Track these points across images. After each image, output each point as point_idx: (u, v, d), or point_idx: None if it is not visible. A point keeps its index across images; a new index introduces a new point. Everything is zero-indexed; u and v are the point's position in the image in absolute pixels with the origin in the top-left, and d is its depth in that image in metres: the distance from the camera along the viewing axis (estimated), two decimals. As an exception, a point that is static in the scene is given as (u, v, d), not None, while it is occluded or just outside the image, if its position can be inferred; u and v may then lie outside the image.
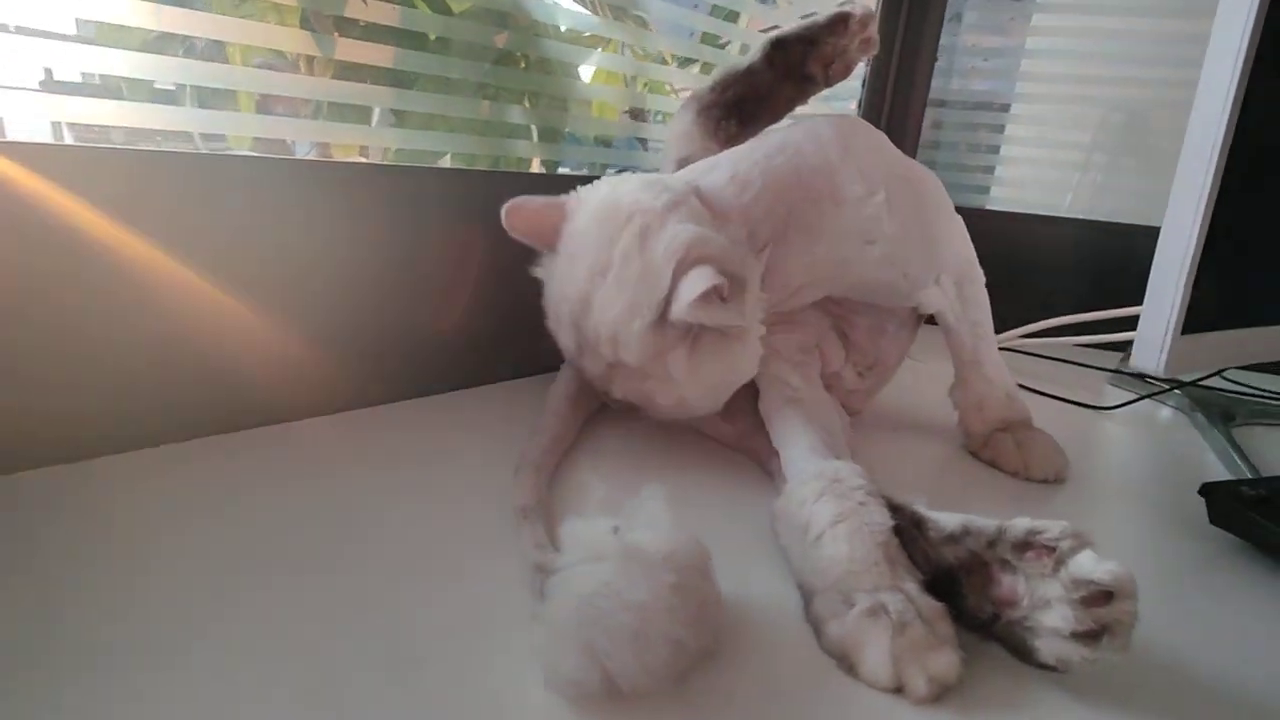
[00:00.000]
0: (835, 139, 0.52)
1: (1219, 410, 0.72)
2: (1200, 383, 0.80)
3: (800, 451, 0.46)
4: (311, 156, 0.71)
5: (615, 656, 0.28)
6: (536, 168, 0.84)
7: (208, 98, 0.61)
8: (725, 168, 0.51)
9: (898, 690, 0.31)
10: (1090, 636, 0.30)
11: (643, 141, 1.02)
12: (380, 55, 0.64)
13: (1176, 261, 0.49)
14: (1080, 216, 1.07)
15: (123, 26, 0.50)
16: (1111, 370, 0.90)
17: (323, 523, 0.41)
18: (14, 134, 0.49)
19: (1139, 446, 0.68)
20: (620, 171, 0.90)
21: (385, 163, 0.70)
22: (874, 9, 0.56)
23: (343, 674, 0.30)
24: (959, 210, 0.58)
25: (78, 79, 0.59)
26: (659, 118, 0.94)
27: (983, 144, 1.20)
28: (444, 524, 0.42)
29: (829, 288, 0.55)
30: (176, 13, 0.51)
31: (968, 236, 0.59)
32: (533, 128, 0.83)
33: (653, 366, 0.46)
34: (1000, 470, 0.56)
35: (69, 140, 0.57)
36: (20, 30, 0.47)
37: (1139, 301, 0.52)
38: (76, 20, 0.49)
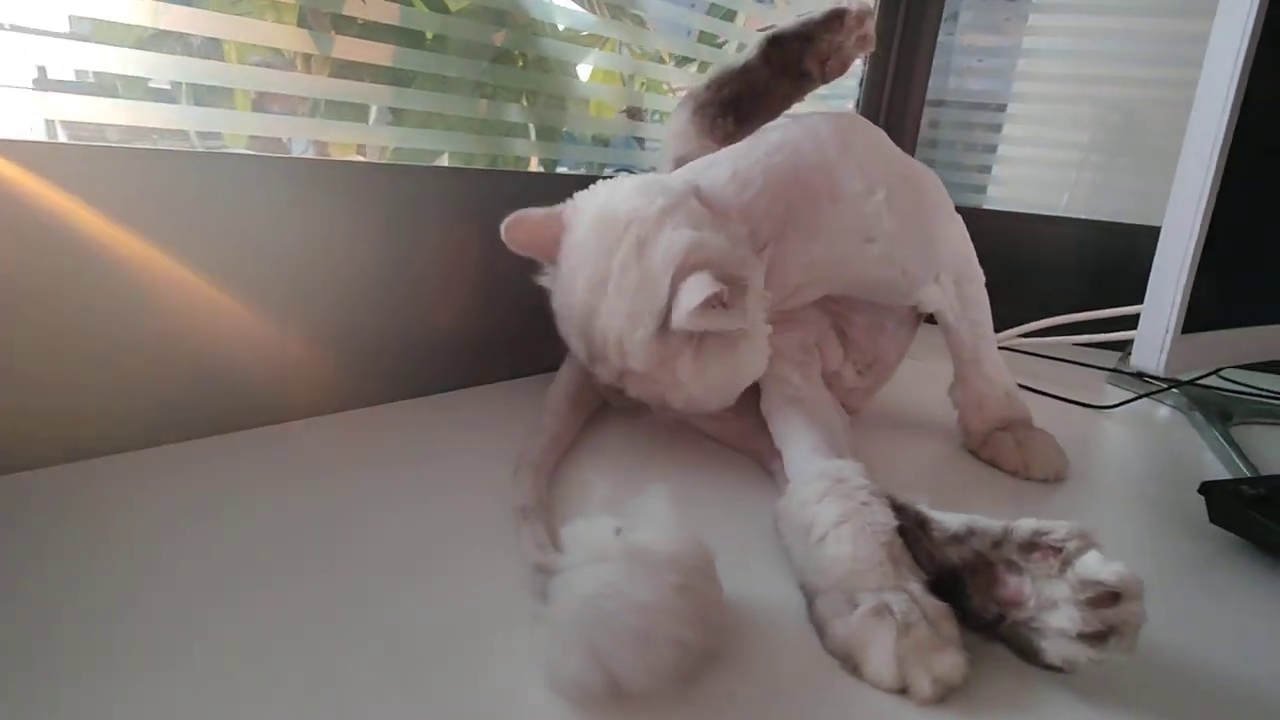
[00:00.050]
0: (834, 136, 0.52)
1: (1217, 409, 0.72)
2: (1198, 382, 0.80)
3: (802, 451, 0.46)
4: (308, 155, 0.70)
5: (620, 658, 0.28)
6: (534, 166, 0.84)
7: (204, 95, 0.61)
8: (725, 166, 0.51)
9: (902, 691, 0.31)
10: (1097, 638, 0.30)
11: (640, 140, 1.02)
12: (378, 53, 0.63)
13: (1176, 261, 0.49)
14: (1077, 216, 1.07)
15: (117, 23, 0.50)
16: (1110, 369, 0.90)
17: (322, 523, 0.41)
18: (7, 132, 0.49)
19: (1138, 445, 0.69)
20: (618, 171, 0.90)
21: (382, 161, 0.70)
22: (871, 5, 0.56)
23: (342, 674, 0.30)
24: (956, 210, 0.58)
25: (71, 77, 0.58)
26: (656, 117, 0.94)
27: (979, 143, 1.20)
28: (443, 524, 0.42)
29: (828, 286, 0.55)
30: (172, 9, 0.51)
31: (967, 235, 0.59)
32: (530, 126, 0.82)
33: (660, 372, 0.46)
34: (1000, 469, 0.56)
35: (63, 139, 0.57)
36: (13, 28, 0.46)
37: (1137, 301, 0.52)
38: (70, 17, 0.49)
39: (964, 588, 0.34)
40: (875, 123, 0.56)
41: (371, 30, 0.63)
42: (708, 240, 0.46)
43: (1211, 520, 0.47)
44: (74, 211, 0.43)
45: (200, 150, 0.55)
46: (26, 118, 0.48)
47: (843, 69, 0.60)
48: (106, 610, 0.33)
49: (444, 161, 0.77)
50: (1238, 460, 0.60)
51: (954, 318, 0.57)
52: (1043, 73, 1.15)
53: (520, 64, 0.81)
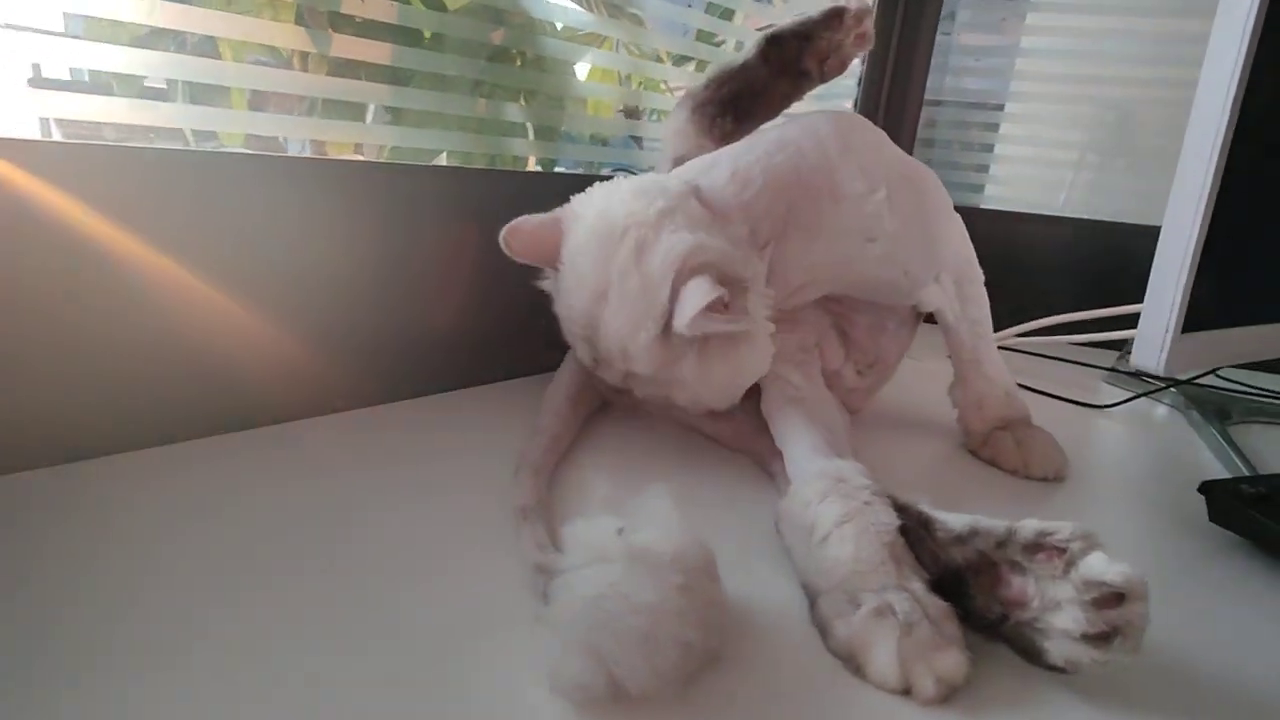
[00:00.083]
0: (835, 136, 0.52)
1: (1214, 408, 0.73)
2: (1196, 381, 0.81)
3: (803, 451, 0.46)
4: (306, 154, 0.70)
5: (624, 660, 0.28)
6: (532, 166, 0.84)
7: (200, 94, 0.61)
8: (725, 165, 0.51)
9: (905, 691, 0.31)
10: (1101, 638, 0.30)
11: (638, 139, 1.02)
12: (375, 52, 0.63)
13: (1176, 261, 0.49)
14: (1074, 215, 1.07)
15: (112, 21, 0.49)
16: (1108, 369, 0.90)
17: (322, 523, 0.41)
18: (2, 131, 0.48)
19: (1136, 444, 0.69)
20: (616, 170, 0.89)
21: (380, 161, 0.70)
22: (870, 4, 0.56)
23: (342, 674, 0.30)
24: (954, 209, 0.58)
25: (66, 75, 0.58)
26: (654, 116, 0.94)
27: (977, 143, 1.20)
28: (443, 524, 0.42)
29: (829, 286, 0.55)
30: (168, 7, 0.50)
31: (967, 235, 0.59)
32: (528, 125, 0.82)
33: (664, 374, 0.46)
34: (1000, 468, 0.56)
35: (58, 138, 0.57)
36: (8, 26, 0.46)
37: (1135, 300, 0.52)
38: (64, 15, 0.49)
39: (967, 588, 0.34)
40: (873, 122, 0.56)
41: (369, 29, 0.63)
42: (707, 242, 0.45)
43: (1211, 519, 0.47)
44: (70, 211, 0.43)
45: (196, 149, 0.54)
46: (21, 116, 0.48)
47: (841, 68, 0.60)
48: (106, 610, 0.32)
49: (442, 161, 0.77)
50: (1236, 459, 0.60)
51: (954, 317, 0.57)
52: (1040, 72, 1.15)
53: (518, 63, 0.81)
